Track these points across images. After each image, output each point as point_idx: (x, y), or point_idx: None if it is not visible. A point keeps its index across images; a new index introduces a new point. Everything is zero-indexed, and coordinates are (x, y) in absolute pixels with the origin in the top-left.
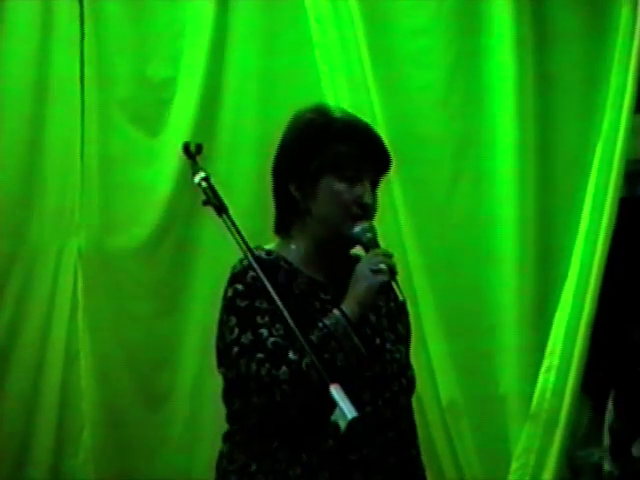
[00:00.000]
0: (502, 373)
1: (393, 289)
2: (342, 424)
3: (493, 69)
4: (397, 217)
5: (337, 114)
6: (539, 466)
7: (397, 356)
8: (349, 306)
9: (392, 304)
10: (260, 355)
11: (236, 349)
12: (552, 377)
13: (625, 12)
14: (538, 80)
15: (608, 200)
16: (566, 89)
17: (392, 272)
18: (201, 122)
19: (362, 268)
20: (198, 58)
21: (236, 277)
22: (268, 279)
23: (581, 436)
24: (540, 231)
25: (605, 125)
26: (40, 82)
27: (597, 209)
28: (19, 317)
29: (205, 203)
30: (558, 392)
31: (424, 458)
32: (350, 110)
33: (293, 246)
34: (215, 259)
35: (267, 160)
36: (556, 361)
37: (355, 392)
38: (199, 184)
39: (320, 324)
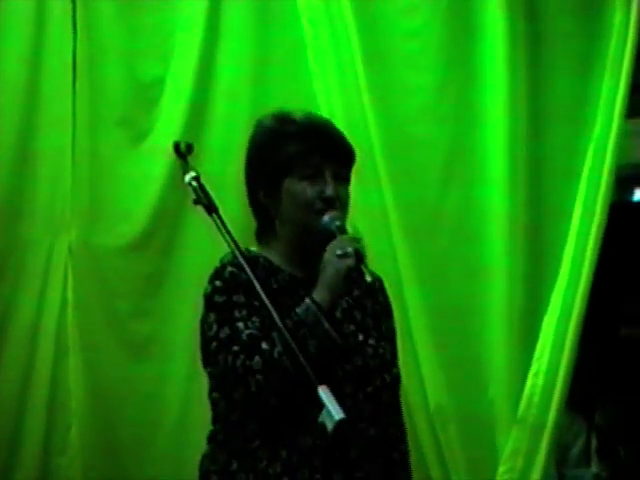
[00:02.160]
0: (490, 378)
1: (361, 273)
2: (329, 425)
3: (485, 73)
4: (387, 219)
5: (292, 117)
6: (526, 469)
7: (380, 351)
8: (319, 293)
9: (377, 306)
10: (235, 348)
11: (214, 344)
12: (540, 381)
13: (618, 17)
14: (530, 84)
15: (599, 205)
16: (558, 93)
17: (359, 255)
18: (191, 122)
19: (328, 254)
20: (189, 58)
21: (215, 274)
22: (247, 274)
23: (574, 455)
24: (530, 235)
25: (596, 130)
26: (32, 80)
27: (587, 214)
28: (9, 313)
29: (196, 202)
30: (546, 396)
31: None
32: (341, 112)
33: (274, 248)
34: (203, 258)
35: None
36: (544, 366)
37: (336, 384)
38: (189, 183)
39: (292, 313)
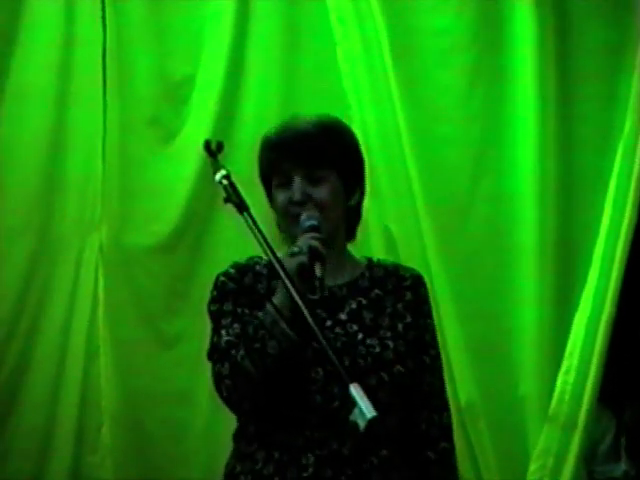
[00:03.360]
0: (521, 374)
1: (314, 269)
2: (361, 424)
3: (515, 70)
4: (418, 218)
5: (284, 124)
6: (557, 468)
7: (376, 350)
8: (277, 295)
9: (400, 304)
10: (216, 355)
11: (208, 353)
12: (571, 379)
13: None
14: (560, 81)
15: (629, 201)
16: (587, 91)
17: (313, 252)
18: (221, 120)
19: (284, 255)
20: (218, 56)
21: (213, 284)
22: (236, 283)
23: (603, 451)
24: (561, 232)
25: (626, 128)
26: (62, 80)
27: (618, 210)
28: (41, 312)
29: (226, 201)
30: (577, 394)
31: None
32: (371, 110)
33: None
34: (234, 257)
35: None
36: (575, 362)
37: (322, 386)
38: (220, 182)
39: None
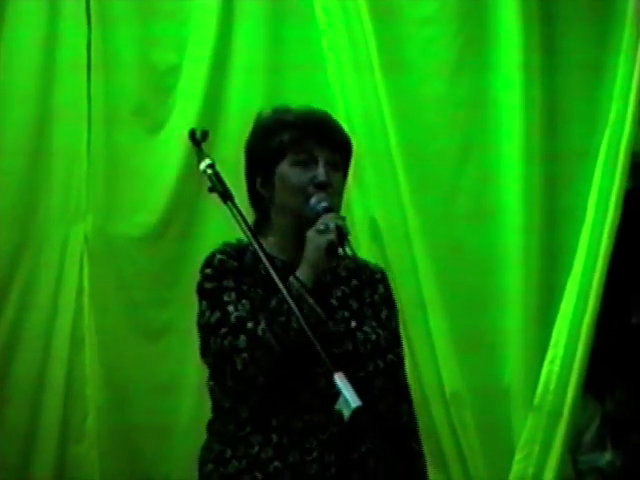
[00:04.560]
0: (506, 364)
1: (344, 248)
2: (346, 413)
3: (499, 58)
4: (403, 208)
5: (289, 108)
6: (542, 457)
7: (372, 337)
8: (302, 270)
9: (377, 296)
10: (224, 330)
11: (206, 330)
12: (556, 368)
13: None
14: (545, 69)
15: (614, 192)
16: (573, 79)
17: (340, 231)
18: (207, 109)
19: (310, 232)
20: (204, 46)
21: (205, 263)
22: (237, 261)
23: (588, 440)
24: (545, 221)
25: (612, 116)
26: (46, 68)
27: (603, 200)
28: (26, 303)
29: (211, 190)
30: (562, 383)
31: (425, 449)
32: (356, 99)
33: (270, 238)
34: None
35: None
36: (560, 352)
37: (327, 369)
38: (204, 171)
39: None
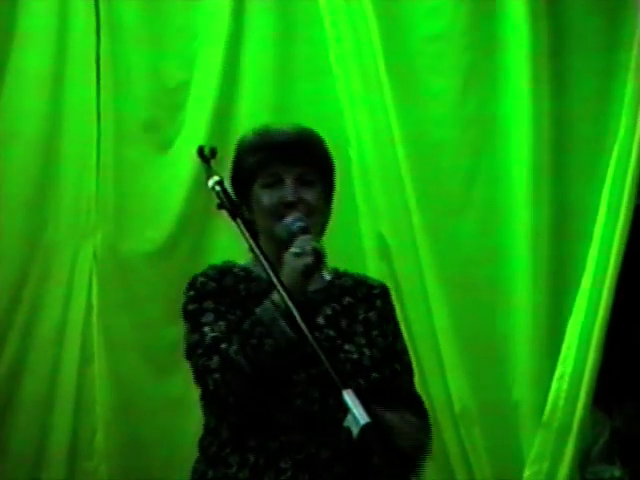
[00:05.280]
0: (515, 380)
1: (320, 271)
2: (355, 430)
3: (508, 74)
4: (411, 223)
5: (264, 129)
6: (552, 473)
7: (354, 356)
8: (276, 293)
9: (371, 312)
10: (200, 351)
11: (187, 351)
12: (565, 384)
13: None
14: (553, 86)
15: (623, 207)
16: (581, 95)
17: (317, 254)
18: (216, 126)
19: (287, 254)
20: (213, 61)
21: (188, 286)
22: (216, 283)
23: (596, 452)
24: (554, 237)
25: (621, 132)
26: (56, 85)
27: (612, 216)
28: (34, 318)
29: (219, 207)
30: (571, 399)
31: (434, 463)
32: (365, 115)
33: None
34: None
35: None
36: (569, 368)
37: (304, 389)
38: (213, 188)
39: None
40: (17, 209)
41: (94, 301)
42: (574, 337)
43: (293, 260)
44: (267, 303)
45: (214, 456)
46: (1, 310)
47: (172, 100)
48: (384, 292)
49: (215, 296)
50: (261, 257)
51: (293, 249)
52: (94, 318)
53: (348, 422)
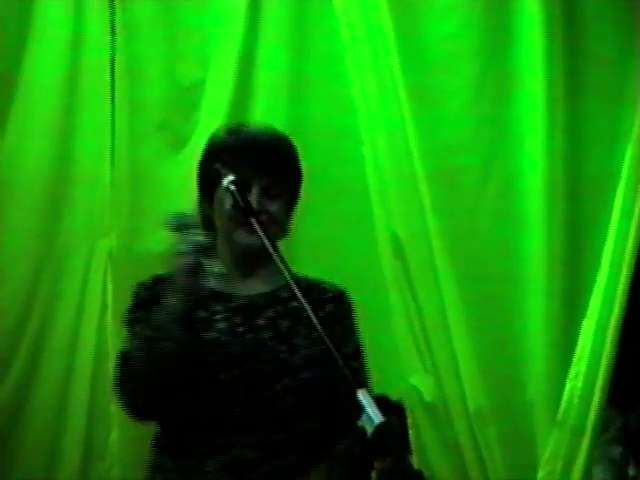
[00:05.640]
0: (529, 379)
1: (202, 267)
2: (369, 429)
3: (523, 75)
4: (425, 224)
5: (237, 129)
6: (566, 473)
7: (283, 356)
8: (169, 297)
9: (321, 314)
10: (118, 361)
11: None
12: (579, 383)
13: None
14: (568, 85)
15: (637, 206)
16: (596, 94)
17: (198, 249)
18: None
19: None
20: (228, 61)
21: (132, 296)
22: (150, 291)
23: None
24: (569, 236)
25: (635, 130)
26: (70, 85)
27: (626, 214)
28: (48, 318)
29: (233, 207)
30: (585, 399)
31: (448, 463)
32: (380, 115)
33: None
34: None
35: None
36: (583, 368)
37: (227, 390)
38: (227, 187)
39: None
40: (31, 209)
41: (109, 301)
42: (588, 336)
43: (175, 260)
44: (158, 309)
45: (156, 462)
46: (16, 310)
47: (187, 99)
48: (338, 297)
49: (147, 305)
50: (275, 255)
51: (176, 247)
52: (109, 318)
53: (362, 421)
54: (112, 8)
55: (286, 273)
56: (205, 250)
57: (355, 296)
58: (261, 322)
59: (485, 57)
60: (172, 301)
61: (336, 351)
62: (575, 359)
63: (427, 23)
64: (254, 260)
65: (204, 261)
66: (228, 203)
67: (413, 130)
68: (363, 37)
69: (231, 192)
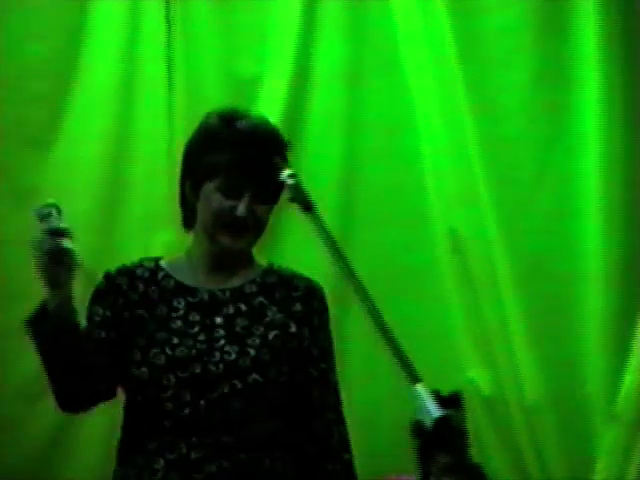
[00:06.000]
0: (587, 373)
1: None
2: (428, 422)
3: (579, 68)
4: (483, 217)
5: (236, 121)
6: (623, 467)
7: (231, 357)
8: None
9: (280, 315)
10: None
11: None
12: (637, 377)
13: None
14: (625, 80)
15: None
16: None
17: (54, 234)
18: (288, 119)
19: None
20: (285, 55)
21: None
22: (111, 282)
23: None
24: (626, 228)
25: None
26: (128, 81)
27: None
28: None
29: (292, 200)
30: None
31: (506, 457)
32: (437, 109)
33: (191, 248)
34: (302, 258)
35: (354, 157)
36: None
37: (174, 392)
38: (286, 181)
39: None
40: (89, 202)
41: None
42: None
43: (35, 251)
44: (41, 303)
45: (119, 458)
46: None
47: (244, 95)
48: (309, 294)
49: (102, 297)
50: (335, 251)
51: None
52: None
53: (421, 414)
54: (168, 4)
55: (347, 267)
56: (63, 234)
57: (412, 291)
58: (218, 320)
59: (541, 51)
60: (47, 297)
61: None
62: (633, 353)
63: (484, 16)
64: (230, 258)
65: (66, 247)
66: (219, 203)
67: (471, 125)
68: (420, 31)
69: (289, 186)
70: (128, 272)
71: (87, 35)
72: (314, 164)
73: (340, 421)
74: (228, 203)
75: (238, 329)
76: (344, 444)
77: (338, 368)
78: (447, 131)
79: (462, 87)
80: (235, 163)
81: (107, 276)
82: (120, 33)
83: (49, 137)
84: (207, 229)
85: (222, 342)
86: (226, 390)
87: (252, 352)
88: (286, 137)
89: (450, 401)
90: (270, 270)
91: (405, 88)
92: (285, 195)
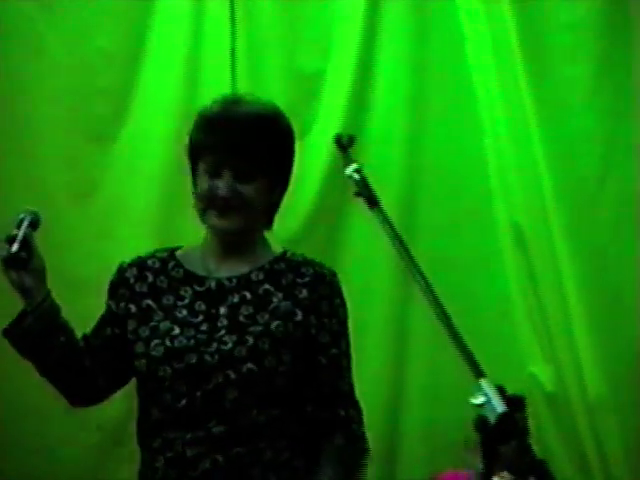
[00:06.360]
0: None
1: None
2: (492, 418)
3: None
4: (546, 213)
5: (220, 104)
6: None
7: (226, 347)
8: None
9: (285, 302)
10: None
11: None
12: None
13: None
14: None
15: None
16: None
17: (9, 241)
18: (352, 114)
19: None
20: (348, 51)
21: None
22: (122, 274)
23: None
24: None
25: None
26: (191, 78)
27: None
28: None
29: (357, 194)
30: None
31: (568, 453)
32: (500, 105)
33: (204, 237)
34: (364, 252)
35: (418, 153)
36: None
37: (170, 384)
38: (351, 176)
39: None
40: (151, 203)
41: None
42: None
43: None
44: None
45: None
46: None
47: (308, 88)
48: (316, 280)
49: (114, 292)
50: (399, 245)
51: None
52: None
53: (485, 410)
54: (232, 2)
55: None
56: (13, 240)
57: (475, 284)
58: (222, 310)
59: (604, 46)
60: (24, 298)
61: None
62: None
63: (547, 12)
64: (233, 242)
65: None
66: (204, 185)
67: (534, 120)
68: (483, 26)
69: (354, 181)
70: (139, 263)
71: (152, 30)
72: (377, 158)
73: (354, 404)
74: (210, 184)
75: (241, 318)
76: (353, 418)
77: (397, 361)
78: (511, 126)
79: (526, 84)
80: (212, 142)
81: (119, 268)
82: (184, 27)
83: (113, 132)
84: (199, 211)
85: (222, 332)
86: (220, 380)
87: (250, 341)
88: (288, 124)
89: (513, 402)
90: (281, 257)
91: (469, 84)
92: (351, 189)
